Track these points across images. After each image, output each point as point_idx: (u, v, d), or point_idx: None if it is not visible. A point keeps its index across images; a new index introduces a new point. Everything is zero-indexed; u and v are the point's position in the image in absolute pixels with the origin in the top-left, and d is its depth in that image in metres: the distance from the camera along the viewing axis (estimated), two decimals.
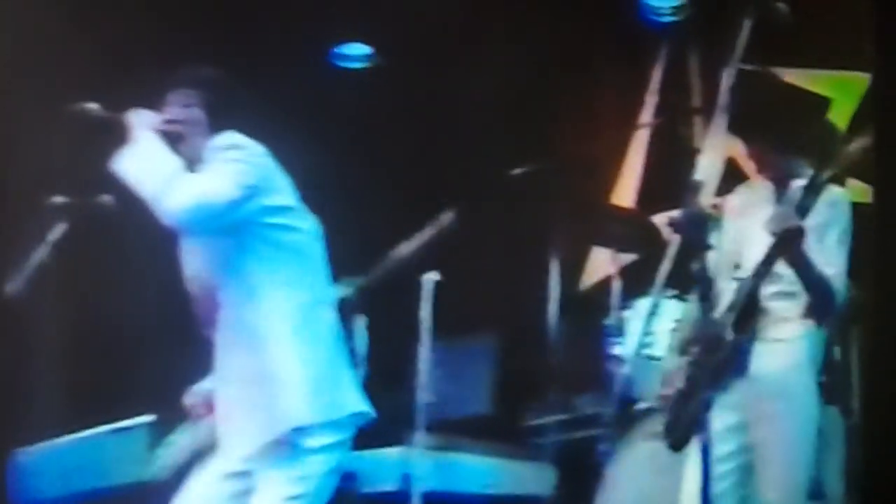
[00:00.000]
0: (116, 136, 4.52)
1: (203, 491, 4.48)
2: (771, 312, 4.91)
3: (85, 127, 4.58)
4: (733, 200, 5.22)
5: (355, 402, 4.52)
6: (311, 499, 4.40)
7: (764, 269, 4.78)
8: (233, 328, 4.49)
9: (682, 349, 5.01)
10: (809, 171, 4.79)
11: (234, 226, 4.46)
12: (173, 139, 4.57)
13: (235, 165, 4.45)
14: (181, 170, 4.47)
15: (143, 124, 4.55)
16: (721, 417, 4.73)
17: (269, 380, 4.39)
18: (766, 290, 4.86)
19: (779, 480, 4.88)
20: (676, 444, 4.84)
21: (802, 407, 4.92)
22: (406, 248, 6.09)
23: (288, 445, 4.36)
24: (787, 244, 4.71)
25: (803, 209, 4.68)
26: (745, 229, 5.03)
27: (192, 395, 4.77)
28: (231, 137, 4.52)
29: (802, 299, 4.93)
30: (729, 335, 4.77)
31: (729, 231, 5.10)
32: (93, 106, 4.60)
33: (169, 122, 4.60)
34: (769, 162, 5.07)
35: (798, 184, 4.86)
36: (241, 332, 4.47)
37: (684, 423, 4.78)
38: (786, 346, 4.93)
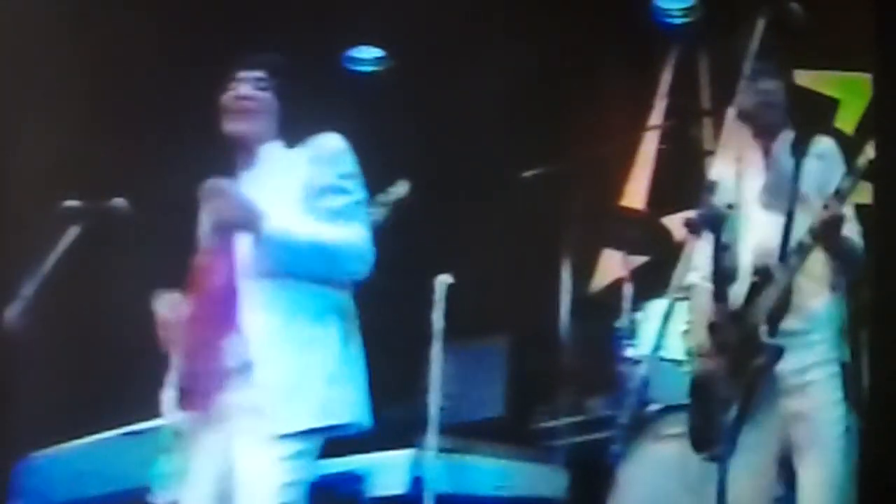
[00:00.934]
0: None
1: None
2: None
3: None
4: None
5: (354, 411, 4.49)
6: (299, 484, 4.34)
7: (797, 262, 4.70)
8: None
9: (707, 351, 4.92)
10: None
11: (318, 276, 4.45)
12: (244, 116, 4.53)
13: (358, 201, 4.52)
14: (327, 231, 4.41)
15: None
16: (754, 424, 4.71)
17: (270, 378, 4.37)
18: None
19: (820, 483, 4.78)
20: (714, 455, 4.71)
21: (835, 403, 4.81)
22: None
23: (279, 446, 4.33)
24: (830, 232, 4.62)
25: (842, 196, 4.60)
26: (746, 215, 4.98)
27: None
28: (346, 161, 4.58)
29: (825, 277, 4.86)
30: (764, 337, 4.72)
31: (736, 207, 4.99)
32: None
33: (241, 98, 4.54)
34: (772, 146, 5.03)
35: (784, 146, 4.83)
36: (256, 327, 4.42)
37: (717, 434, 4.64)
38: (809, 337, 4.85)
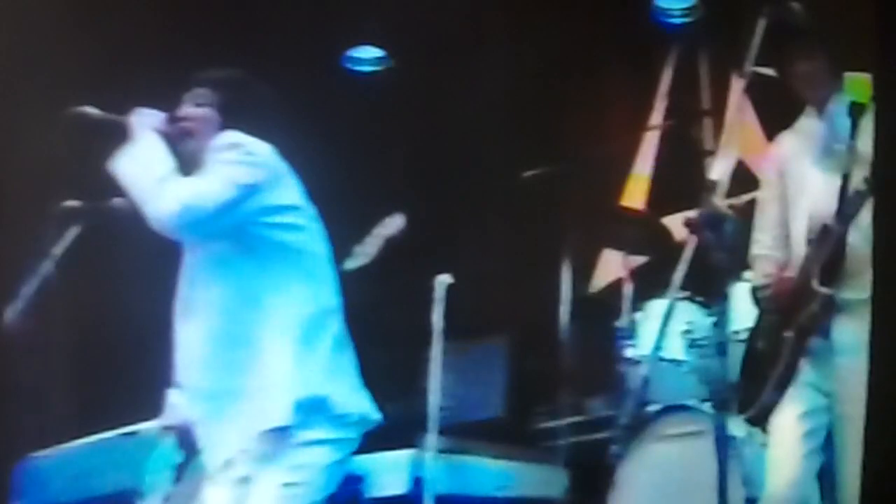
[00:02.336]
0: (117, 138, 4.47)
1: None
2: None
3: (86, 131, 4.54)
4: (783, 145, 5.08)
5: (360, 404, 4.49)
6: (308, 488, 4.34)
7: (852, 211, 4.60)
8: (229, 331, 4.42)
9: (762, 304, 4.85)
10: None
11: (230, 228, 4.38)
12: (182, 137, 4.51)
13: (231, 166, 4.37)
14: (173, 173, 4.38)
15: (145, 125, 4.49)
16: (802, 392, 4.66)
17: (259, 379, 4.37)
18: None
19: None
20: (757, 419, 4.75)
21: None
22: (360, 255, 6.07)
23: (275, 444, 4.34)
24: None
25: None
26: (798, 172, 4.91)
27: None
28: (231, 136, 4.45)
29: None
30: (817, 286, 4.66)
31: (789, 175, 4.94)
32: (92, 110, 4.54)
33: (179, 119, 4.55)
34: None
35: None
36: (237, 334, 4.40)
37: (766, 395, 4.65)
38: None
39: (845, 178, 4.66)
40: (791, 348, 4.69)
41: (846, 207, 4.64)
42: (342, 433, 4.41)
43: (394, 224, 6.17)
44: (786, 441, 4.74)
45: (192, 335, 4.49)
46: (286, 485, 4.30)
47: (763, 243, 5.00)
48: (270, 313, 4.37)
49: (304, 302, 4.41)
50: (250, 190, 4.37)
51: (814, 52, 4.84)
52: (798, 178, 4.91)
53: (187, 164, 4.47)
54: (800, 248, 4.82)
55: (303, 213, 4.51)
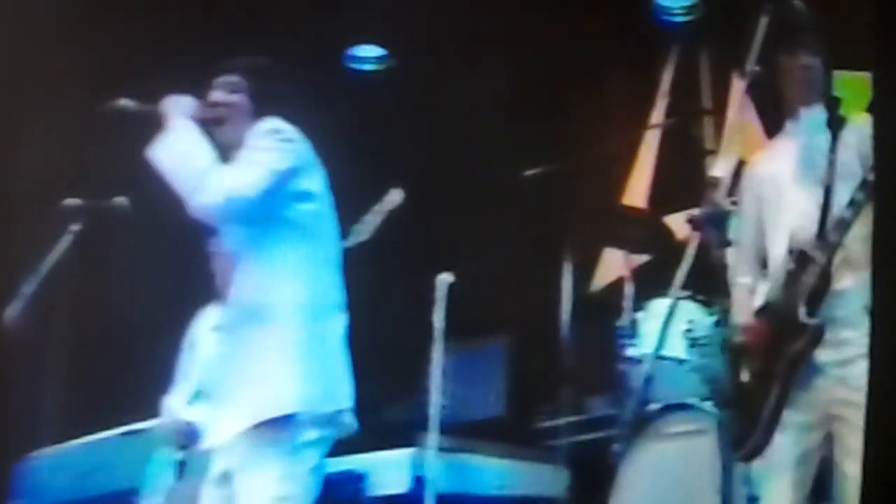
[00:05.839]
0: (152, 127, 4.50)
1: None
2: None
3: (121, 122, 4.56)
4: (760, 163, 5.01)
5: (346, 400, 4.51)
6: (298, 500, 4.36)
7: (837, 239, 4.55)
8: (243, 306, 4.49)
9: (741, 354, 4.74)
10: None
11: (265, 213, 4.46)
12: (215, 123, 4.57)
13: (270, 153, 4.44)
14: (214, 163, 4.44)
15: (179, 112, 4.53)
16: (794, 414, 4.60)
17: (268, 362, 4.39)
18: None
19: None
20: (750, 456, 4.69)
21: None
22: (360, 232, 6.06)
23: (276, 433, 4.34)
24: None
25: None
26: (776, 190, 4.85)
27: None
28: (270, 123, 4.52)
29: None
30: (804, 318, 4.58)
31: (765, 195, 4.87)
32: (127, 102, 4.57)
33: (212, 104, 4.59)
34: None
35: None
36: (251, 310, 4.46)
37: (759, 428, 4.60)
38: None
39: (827, 196, 4.62)
40: (781, 383, 4.62)
41: (829, 234, 4.59)
42: (324, 431, 4.43)
43: (393, 198, 6.16)
44: (786, 463, 4.70)
45: (210, 321, 4.55)
46: (279, 499, 4.31)
47: (740, 270, 4.91)
48: (283, 300, 4.43)
49: (314, 291, 4.47)
50: (286, 175, 4.45)
51: (811, 48, 4.82)
52: (776, 197, 4.86)
53: (222, 149, 4.53)
54: (777, 274, 4.76)
55: (324, 202, 4.60)
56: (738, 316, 4.81)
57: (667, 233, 6.49)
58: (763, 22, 4.46)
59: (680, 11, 7.78)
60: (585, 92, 7.86)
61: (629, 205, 7.82)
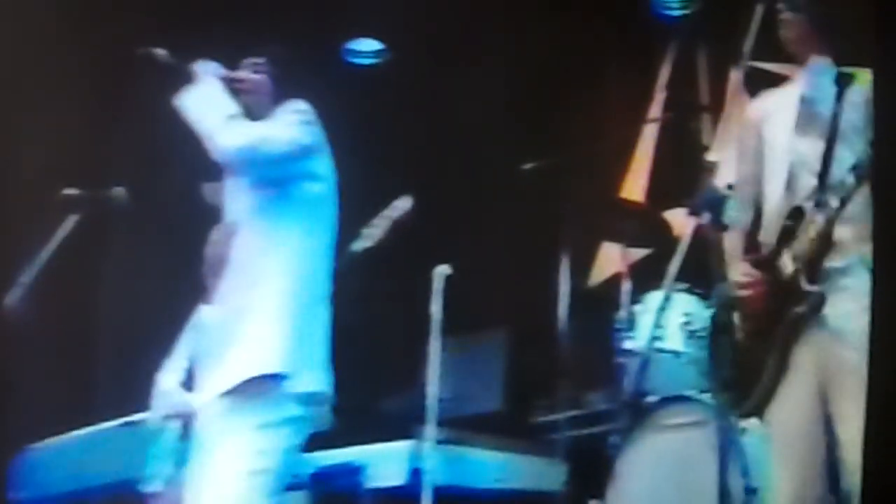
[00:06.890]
0: (181, 80, 4.71)
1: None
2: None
3: (151, 71, 4.72)
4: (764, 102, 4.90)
5: (325, 385, 4.61)
6: (273, 475, 4.46)
7: (838, 205, 4.42)
8: (242, 269, 4.64)
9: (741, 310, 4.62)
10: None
11: (279, 179, 4.67)
12: (241, 91, 4.80)
13: (296, 126, 4.70)
14: (241, 115, 4.68)
15: (208, 72, 4.76)
16: (796, 383, 4.52)
17: (255, 324, 4.51)
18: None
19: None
20: (751, 413, 4.66)
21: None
22: (367, 237, 6.10)
23: (260, 393, 4.43)
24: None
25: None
26: (777, 134, 4.73)
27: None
28: (299, 103, 4.78)
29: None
30: (804, 284, 4.48)
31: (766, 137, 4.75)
32: (160, 51, 4.76)
33: (236, 79, 4.82)
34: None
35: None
36: (248, 273, 4.61)
37: (759, 389, 4.53)
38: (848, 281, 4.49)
39: (828, 152, 4.52)
40: (780, 346, 4.55)
41: (829, 200, 4.47)
42: (305, 411, 4.49)
43: (402, 206, 6.19)
44: (787, 434, 4.67)
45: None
46: (253, 472, 4.36)
47: (737, 207, 4.76)
48: (277, 268, 4.60)
49: (307, 269, 4.66)
50: (306, 150, 4.71)
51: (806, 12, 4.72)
52: (774, 138, 4.74)
53: (246, 116, 4.76)
54: (772, 225, 4.65)
55: (330, 186, 4.81)
56: (733, 257, 4.73)
57: (665, 227, 6.50)
58: (759, 13, 4.45)
59: (678, 5, 7.78)
60: (583, 86, 7.86)
61: (627, 199, 7.83)
